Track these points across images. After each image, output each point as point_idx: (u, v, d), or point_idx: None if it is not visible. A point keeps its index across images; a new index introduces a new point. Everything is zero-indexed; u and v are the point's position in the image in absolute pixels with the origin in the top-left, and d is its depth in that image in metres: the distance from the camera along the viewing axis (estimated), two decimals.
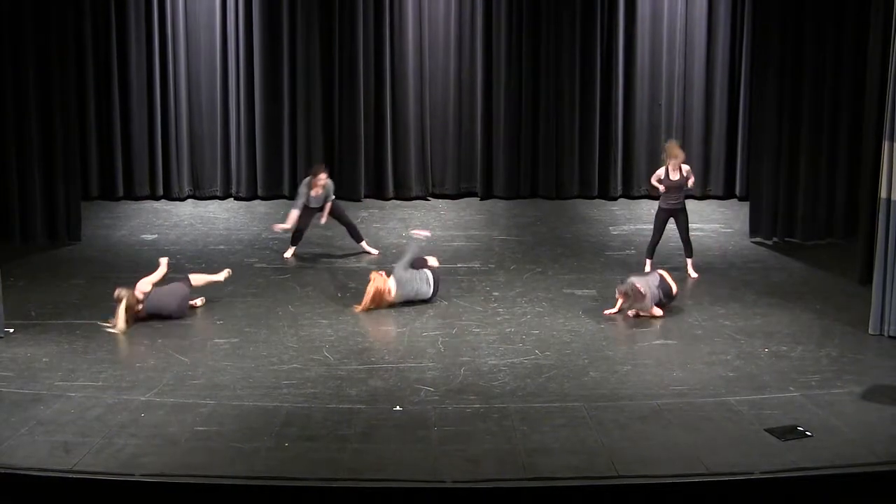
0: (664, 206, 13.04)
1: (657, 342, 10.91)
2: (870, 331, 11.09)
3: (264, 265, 13.62)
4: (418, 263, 12.12)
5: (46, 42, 14.14)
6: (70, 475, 8.10)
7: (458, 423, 8.97)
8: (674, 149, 13.00)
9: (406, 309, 11.90)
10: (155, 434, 8.75)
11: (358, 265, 13.61)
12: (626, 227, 15.32)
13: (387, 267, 12.28)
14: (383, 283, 11.74)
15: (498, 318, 11.61)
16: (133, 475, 8.10)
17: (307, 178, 13.79)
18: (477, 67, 16.77)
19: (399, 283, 11.80)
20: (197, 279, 11.92)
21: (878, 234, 11.17)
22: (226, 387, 9.74)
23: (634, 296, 11.43)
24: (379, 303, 11.74)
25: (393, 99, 16.82)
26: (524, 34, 16.61)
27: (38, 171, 14.38)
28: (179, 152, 16.75)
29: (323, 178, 13.68)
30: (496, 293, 12.47)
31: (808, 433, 8.74)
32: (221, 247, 14.42)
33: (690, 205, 16.42)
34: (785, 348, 10.69)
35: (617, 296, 11.58)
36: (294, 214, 13.61)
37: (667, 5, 16.64)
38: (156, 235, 14.94)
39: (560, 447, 8.54)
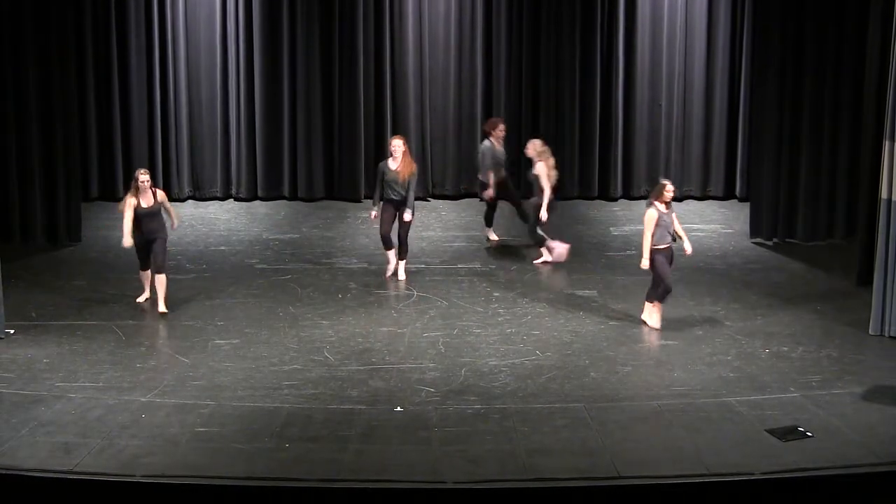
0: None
1: (658, 342, 10.91)
2: (870, 331, 11.11)
3: (265, 266, 13.62)
4: None
5: (46, 42, 14.14)
6: (71, 476, 8.11)
7: (458, 424, 8.98)
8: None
9: (406, 310, 11.92)
10: (156, 435, 8.76)
11: (358, 265, 13.61)
12: (626, 228, 15.32)
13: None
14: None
15: (499, 319, 11.61)
16: (134, 476, 8.11)
17: (487, 142, 14.13)
18: (477, 68, 16.76)
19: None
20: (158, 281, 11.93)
21: (879, 234, 11.18)
22: (226, 388, 9.75)
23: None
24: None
25: (393, 100, 16.80)
26: (524, 34, 16.60)
27: (39, 171, 14.38)
28: (179, 153, 16.73)
29: (503, 127, 14.13)
30: (497, 294, 12.48)
31: (808, 434, 8.75)
32: (222, 248, 14.42)
33: (690, 205, 16.52)
34: (785, 349, 10.69)
35: (670, 188, 11.33)
36: (492, 179, 14.02)
37: (667, 5, 16.62)
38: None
39: (561, 448, 8.55)
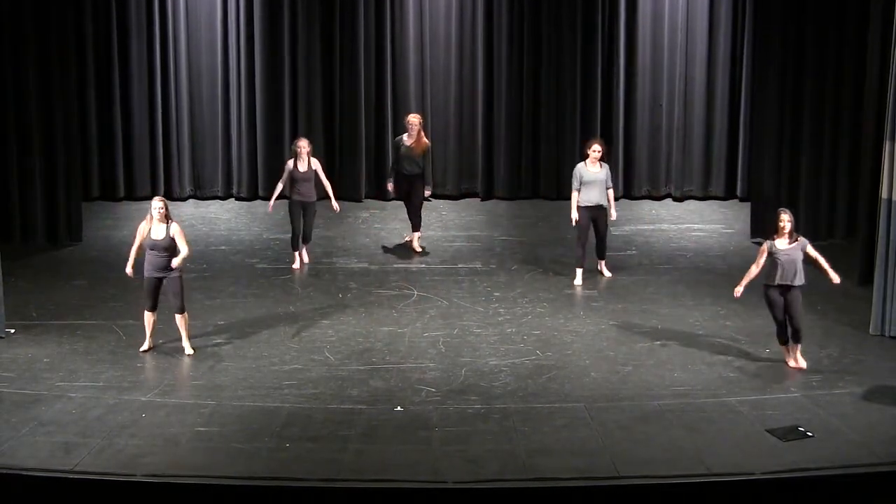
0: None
1: (658, 342, 10.91)
2: (871, 331, 11.12)
3: (265, 266, 13.62)
4: None
5: (47, 42, 14.14)
6: (71, 475, 8.11)
7: (459, 424, 8.98)
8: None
9: (407, 309, 11.91)
10: (156, 434, 8.76)
11: (358, 265, 13.61)
12: (626, 228, 15.31)
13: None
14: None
15: (499, 319, 11.61)
16: (134, 475, 8.11)
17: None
18: (478, 67, 16.75)
19: None
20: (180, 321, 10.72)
21: (879, 234, 11.18)
22: (227, 387, 9.75)
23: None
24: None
25: (394, 99, 16.80)
26: (525, 34, 16.58)
27: (39, 171, 14.40)
28: (180, 153, 16.73)
29: (595, 147, 12.84)
30: (497, 293, 12.47)
31: (809, 433, 8.75)
32: (223, 247, 14.42)
33: (691, 205, 16.51)
34: None
35: (784, 218, 10.20)
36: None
37: (668, 4, 16.62)
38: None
39: (561, 448, 8.54)
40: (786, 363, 10.30)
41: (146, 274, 10.55)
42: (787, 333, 10.22)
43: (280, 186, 13.31)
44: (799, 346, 10.26)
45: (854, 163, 14.07)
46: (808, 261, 10.28)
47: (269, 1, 16.41)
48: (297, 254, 13.47)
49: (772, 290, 10.15)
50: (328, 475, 8.14)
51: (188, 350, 10.60)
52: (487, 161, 16.88)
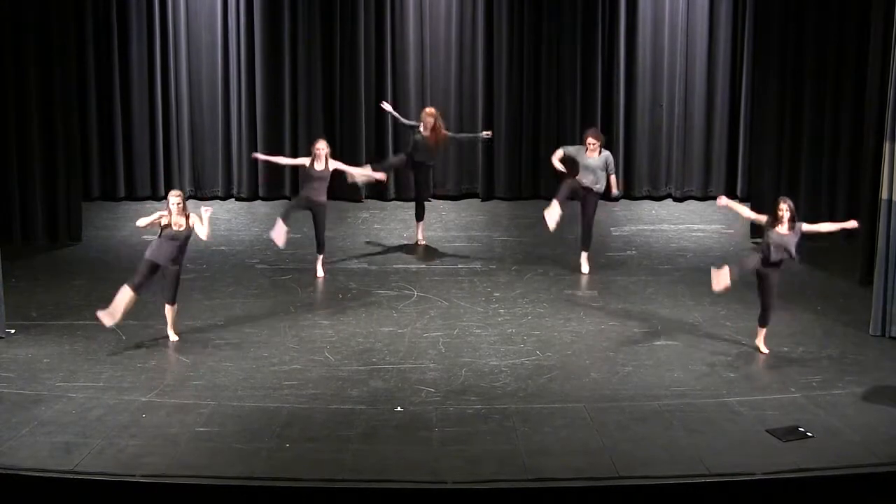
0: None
1: (658, 343, 10.91)
2: (871, 331, 11.11)
3: (265, 266, 13.62)
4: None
5: (47, 42, 14.15)
6: (71, 476, 8.11)
7: (459, 424, 8.98)
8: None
9: (407, 309, 11.91)
10: (156, 435, 8.76)
11: (358, 266, 13.61)
12: (626, 228, 15.33)
13: None
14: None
15: (499, 319, 11.61)
16: (134, 476, 8.11)
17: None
18: (478, 68, 16.75)
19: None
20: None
21: (879, 234, 11.18)
22: (227, 387, 9.75)
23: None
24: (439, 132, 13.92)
25: (394, 99, 16.78)
26: (525, 35, 16.59)
27: (40, 171, 14.40)
28: (180, 153, 16.73)
29: (590, 141, 12.89)
30: (497, 294, 12.47)
31: (809, 434, 8.75)
32: (222, 248, 14.42)
33: (691, 205, 16.51)
34: (786, 349, 10.69)
35: (783, 207, 10.22)
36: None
37: (668, 5, 16.62)
38: (157, 236, 14.87)
39: (561, 448, 8.54)
40: (758, 350, 10.63)
41: (148, 256, 10.61)
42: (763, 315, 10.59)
43: (281, 160, 13.94)
44: (764, 331, 10.59)
45: (854, 163, 14.08)
46: (815, 236, 10.54)
47: (269, 1, 16.42)
48: (319, 260, 13.13)
49: (761, 271, 10.36)
50: (328, 475, 8.14)
51: (173, 337, 10.75)
52: (487, 161, 16.88)
